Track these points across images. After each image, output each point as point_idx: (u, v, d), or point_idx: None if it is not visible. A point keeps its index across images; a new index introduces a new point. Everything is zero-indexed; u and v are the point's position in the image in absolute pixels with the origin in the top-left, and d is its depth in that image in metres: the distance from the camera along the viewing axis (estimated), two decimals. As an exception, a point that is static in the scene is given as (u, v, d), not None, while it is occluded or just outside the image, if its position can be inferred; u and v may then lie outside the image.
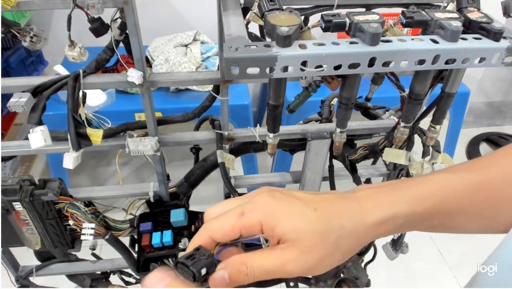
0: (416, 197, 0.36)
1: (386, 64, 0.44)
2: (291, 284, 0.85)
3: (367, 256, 0.87)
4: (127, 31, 0.54)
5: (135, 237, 0.73)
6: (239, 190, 0.75)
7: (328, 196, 0.36)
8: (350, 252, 0.34)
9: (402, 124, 0.61)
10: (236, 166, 0.72)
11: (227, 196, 0.78)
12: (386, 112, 0.77)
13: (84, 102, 0.58)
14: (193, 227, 0.72)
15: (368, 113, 0.78)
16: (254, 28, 0.52)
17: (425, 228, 0.38)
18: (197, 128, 0.76)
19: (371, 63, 0.43)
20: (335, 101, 0.76)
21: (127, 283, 0.88)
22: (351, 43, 0.43)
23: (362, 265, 0.86)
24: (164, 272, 0.30)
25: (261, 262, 0.32)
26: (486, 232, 0.38)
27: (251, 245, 0.36)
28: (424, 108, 0.67)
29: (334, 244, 0.33)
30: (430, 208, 0.36)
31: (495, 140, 2.19)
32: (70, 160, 0.58)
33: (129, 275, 0.86)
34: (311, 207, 0.34)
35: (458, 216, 0.37)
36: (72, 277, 0.85)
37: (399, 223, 0.35)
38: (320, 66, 0.42)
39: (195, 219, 0.74)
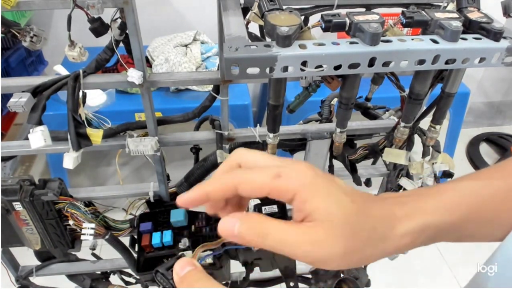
0: (445, 206, 0.34)
1: (386, 64, 0.44)
2: (291, 284, 0.85)
3: (367, 256, 0.87)
4: (127, 31, 0.54)
5: (135, 237, 0.73)
6: (239, 190, 0.75)
7: (364, 195, 0.34)
8: (370, 258, 0.32)
9: (402, 124, 0.61)
10: (236, 166, 0.72)
11: (227, 196, 0.78)
12: (386, 112, 0.77)
13: (84, 102, 0.58)
14: (193, 227, 0.72)
15: (368, 113, 0.78)
16: (254, 28, 0.52)
17: (454, 239, 0.36)
18: (197, 128, 0.76)
19: (371, 63, 0.43)
20: (335, 101, 0.76)
21: (127, 283, 0.88)
22: (351, 43, 0.43)
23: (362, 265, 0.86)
24: (191, 260, 0.30)
25: (280, 230, 0.29)
26: None
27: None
28: (424, 108, 0.67)
29: (360, 243, 0.31)
30: (460, 218, 0.34)
31: (495, 140, 2.19)
32: (70, 160, 0.58)
33: (129, 275, 0.86)
34: (350, 198, 0.32)
35: (488, 224, 0.35)
36: (72, 277, 0.85)
37: (430, 234, 0.33)
38: (320, 66, 0.42)
39: (195, 219, 0.74)
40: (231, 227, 0.29)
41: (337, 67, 0.43)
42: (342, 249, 0.30)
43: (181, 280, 0.29)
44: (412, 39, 0.44)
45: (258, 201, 0.67)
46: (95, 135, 0.58)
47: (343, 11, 0.46)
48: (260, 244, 0.29)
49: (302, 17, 0.47)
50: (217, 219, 0.78)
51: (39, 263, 0.80)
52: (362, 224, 0.31)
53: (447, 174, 0.72)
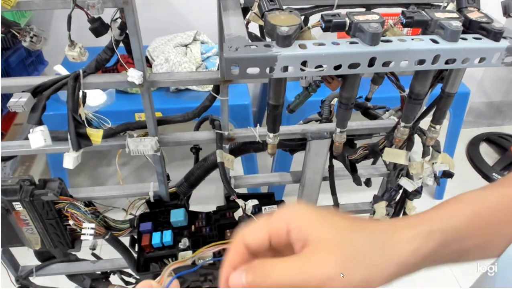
0: (448, 212, 0.34)
1: (386, 64, 0.44)
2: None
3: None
4: (127, 31, 0.54)
5: (135, 237, 0.73)
6: (239, 190, 0.75)
7: (358, 217, 0.35)
8: (377, 269, 0.30)
9: (402, 124, 0.61)
10: (236, 166, 0.72)
11: (227, 196, 0.78)
12: (386, 112, 0.77)
13: (84, 102, 0.58)
14: (193, 227, 0.72)
15: (368, 113, 0.78)
16: (254, 28, 0.52)
17: (470, 251, 0.34)
18: (197, 128, 0.76)
19: (371, 63, 0.43)
20: (335, 101, 0.76)
21: (127, 283, 0.88)
22: (351, 43, 0.43)
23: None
24: (149, 281, 0.31)
25: (280, 266, 0.30)
26: None
27: None
28: (424, 108, 0.67)
29: (359, 254, 0.30)
30: (466, 222, 0.33)
31: (495, 140, 2.19)
32: (70, 160, 0.58)
33: (129, 275, 0.86)
34: (340, 216, 0.33)
35: (502, 229, 0.34)
36: (72, 277, 0.85)
37: (436, 241, 0.32)
38: (320, 66, 0.42)
39: (195, 219, 0.74)
40: (239, 281, 0.31)
41: (337, 67, 0.43)
42: (341, 264, 0.30)
43: None
44: (412, 39, 0.44)
45: (257, 202, 0.67)
46: (95, 135, 0.58)
47: (343, 11, 0.46)
48: (268, 284, 0.30)
49: (302, 17, 0.47)
50: (217, 219, 0.77)
51: (39, 263, 0.80)
52: (357, 236, 0.31)
53: (447, 174, 0.72)
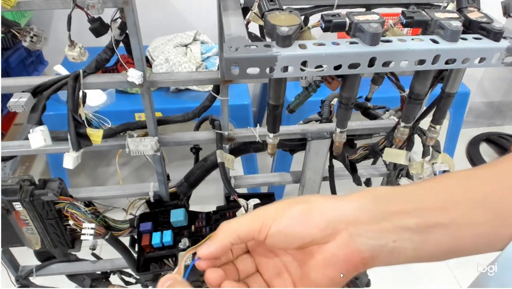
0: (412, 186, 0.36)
1: (386, 64, 0.44)
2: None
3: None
4: (127, 31, 0.54)
5: (135, 237, 0.73)
6: (239, 190, 0.75)
7: None
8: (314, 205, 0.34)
9: (402, 124, 0.61)
10: (236, 166, 0.72)
11: (227, 196, 0.78)
12: (386, 112, 0.77)
13: (84, 102, 0.58)
14: (193, 227, 0.72)
15: (368, 113, 0.78)
16: (254, 28, 0.52)
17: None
18: (197, 128, 0.76)
19: (371, 63, 0.43)
20: (335, 101, 0.76)
21: (127, 283, 0.88)
22: (351, 43, 0.43)
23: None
24: (172, 275, 0.33)
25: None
26: None
27: None
28: (424, 108, 0.67)
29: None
30: (432, 187, 0.35)
31: (495, 140, 2.19)
32: (70, 160, 0.58)
33: (129, 275, 0.86)
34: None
35: (476, 211, 0.33)
36: (72, 277, 0.85)
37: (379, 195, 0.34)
38: (320, 66, 0.42)
39: (195, 219, 0.74)
40: None
41: (337, 67, 0.43)
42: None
43: None
44: (412, 39, 0.44)
45: (258, 201, 0.67)
46: (95, 135, 0.58)
47: (343, 11, 0.46)
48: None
49: (302, 17, 0.47)
50: (217, 219, 0.78)
51: (39, 263, 0.80)
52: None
53: (447, 174, 0.72)
